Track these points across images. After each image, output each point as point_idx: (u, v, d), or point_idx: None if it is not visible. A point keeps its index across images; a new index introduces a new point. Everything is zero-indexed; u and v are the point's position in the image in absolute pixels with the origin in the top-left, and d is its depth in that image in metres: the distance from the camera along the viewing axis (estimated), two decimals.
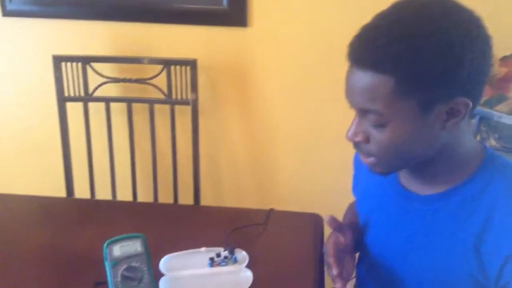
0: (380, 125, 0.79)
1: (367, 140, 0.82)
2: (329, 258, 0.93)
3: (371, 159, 0.85)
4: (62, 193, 1.70)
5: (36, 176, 1.94)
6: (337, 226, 0.96)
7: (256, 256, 1.09)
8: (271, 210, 1.29)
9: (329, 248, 0.95)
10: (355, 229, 1.02)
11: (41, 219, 1.33)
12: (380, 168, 0.86)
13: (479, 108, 1.32)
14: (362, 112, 0.81)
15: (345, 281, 0.91)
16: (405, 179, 0.92)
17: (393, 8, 0.78)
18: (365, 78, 0.76)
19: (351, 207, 1.19)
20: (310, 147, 1.80)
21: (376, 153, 0.83)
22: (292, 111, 1.76)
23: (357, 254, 1.02)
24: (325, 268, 0.99)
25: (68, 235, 1.21)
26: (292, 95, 1.73)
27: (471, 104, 0.77)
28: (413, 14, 0.75)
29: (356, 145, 0.85)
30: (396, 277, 0.93)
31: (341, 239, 0.96)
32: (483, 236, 0.80)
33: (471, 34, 0.74)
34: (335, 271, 0.90)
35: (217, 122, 1.80)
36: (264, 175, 1.89)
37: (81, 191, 1.72)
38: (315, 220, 1.26)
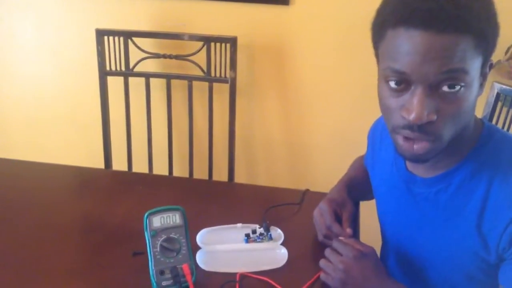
0: (455, 93, 0.73)
1: (435, 116, 0.74)
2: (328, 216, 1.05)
3: (428, 144, 0.77)
4: (100, 164, 1.74)
5: (76, 147, 1.99)
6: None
7: (291, 234, 1.10)
8: (307, 190, 1.29)
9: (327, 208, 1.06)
10: (354, 185, 1.15)
11: (80, 189, 1.36)
12: (431, 152, 0.78)
13: None
14: (439, 81, 0.72)
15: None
16: (410, 163, 0.92)
17: None
18: (449, 40, 0.70)
19: (356, 162, 1.27)
20: (346, 130, 1.78)
21: (442, 128, 0.75)
22: (330, 94, 1.74)
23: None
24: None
25: (106, 206, 1.24)
26: (331, 77, 1.71)
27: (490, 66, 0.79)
28: None
29: (420, 128, 0.75)
30: (408, 257, 0.96)
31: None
32: (483, 214, 0.81)
33: None
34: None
35: (253, 101, 1.80)
36: (298, 157, 1.88)
37: (119, 164, 1.75)
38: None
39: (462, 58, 0.71)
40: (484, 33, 0.72)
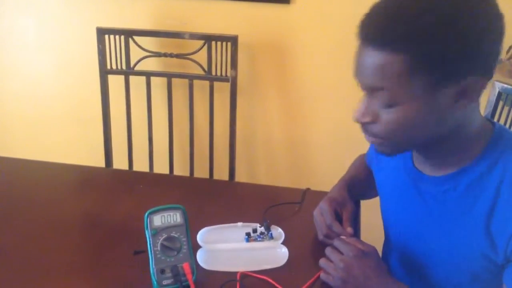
0: (390, 105, 0.77)
1: (375, 121, 0.81)
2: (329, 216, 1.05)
3: (377, 140, 0.84)
4: (101, 163, 1.74)
5: (77, 145, 1.99)
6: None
7: (291, 233, 1.09)
8: (307, 189, 1.28)
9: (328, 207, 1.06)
10: (355, 185, 1.15)
11: (81, 188, 1.36)
12: (385, 149, 0.86)
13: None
14: (372, 92, 0.79)
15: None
16: (418, 160, 0.93)
17: None
18: (379, 56, 0.74)
19: (357, 160, 1.28)
20: (347, 129, 1.78)
21: (384, 134, 0.81)
22: (330, 92, 1.74)
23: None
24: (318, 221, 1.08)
25: (107, 204, 1.24)
26: (332, 76, 1.71)
27: (482, 84, 0.76)
28: None
29: (363, 126, 0.83)
30: (412, 255, 0.96)
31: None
32: (492, 215, 0.80)
33: (491, 14, 0.73)
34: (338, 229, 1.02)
35: (254, 100, 1.80)
36: (298, 155, 1.88)
37: (119, 162, 1.75)
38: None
39: (390, 77, 0.74)
40: (429, 56, 0.71)
